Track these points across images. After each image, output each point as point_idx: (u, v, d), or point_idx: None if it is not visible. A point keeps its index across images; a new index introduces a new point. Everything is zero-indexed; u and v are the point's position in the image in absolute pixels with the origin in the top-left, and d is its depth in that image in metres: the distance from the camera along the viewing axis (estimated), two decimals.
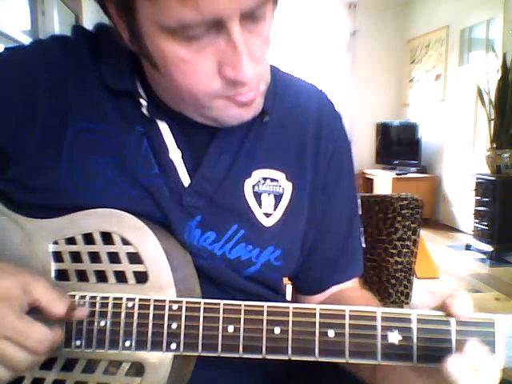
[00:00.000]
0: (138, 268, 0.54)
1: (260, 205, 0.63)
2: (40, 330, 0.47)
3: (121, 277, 0.55)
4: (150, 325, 0.51)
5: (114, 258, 0.55)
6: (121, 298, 0.52)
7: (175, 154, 0.61)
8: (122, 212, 0.56)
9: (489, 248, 3.79)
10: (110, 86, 0.59)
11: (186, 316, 0.51)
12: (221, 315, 0.50)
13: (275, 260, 0.63)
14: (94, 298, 0.53)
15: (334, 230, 0.69)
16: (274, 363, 0.63)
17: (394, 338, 0.47)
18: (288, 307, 0.49)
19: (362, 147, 5.88)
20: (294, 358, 0.49)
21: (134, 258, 0.54)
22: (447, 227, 4.98)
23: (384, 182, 5.29)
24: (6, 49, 0.62)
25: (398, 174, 5.16)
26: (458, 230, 4.82)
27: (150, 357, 0.52)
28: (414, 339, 0.47)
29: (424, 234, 4.00)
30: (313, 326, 0.48)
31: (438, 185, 5.21)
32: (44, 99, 0.58)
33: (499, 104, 3.81)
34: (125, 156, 0.59)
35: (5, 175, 0.60)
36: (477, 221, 3.93)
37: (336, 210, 0.69)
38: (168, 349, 0.51)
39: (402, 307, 1.05)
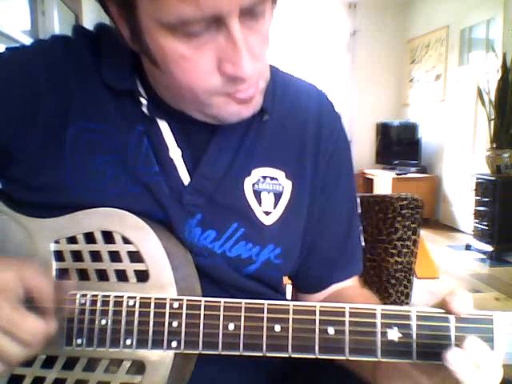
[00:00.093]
0: (139, 267, 0.54)
1: (260, 203, 0.63)
2: (33, 321, 0.47)
3: (122, 275, 0.55)
4: (151, 323, 0.51)
5: (115, 256, 0.55)
6: (122, 297, 0.52)
7: (175, 153, 0.61)
8: (123, 211, 0.56)
9: (489, 248, 3.79)
10: (111, 85, 0.59)
11: (186, 314, 0.51)
12: (221, 313, 0.50)
13: (275, 258, 0.63)
14: (95, 296, 0.53)
15: (333, 230, 0.69)
16: (275, 361, 0.64)
17: (394, 335, 0.47)
18: (288, 305, 0.50)
19: (362, 147, 5.89)
20: (294, 355, 0.49)
21: (135, 256, 0.55)
22: (447, 227, 4.98)
23: (384, 182, 5.29)
24: (6, 49, 0.62)
25: (398, 174, 5.16)
26: (458, 230, 4.82)
27: (151, 355, 0.52)
28: (414, 336, 0.47)
29: (424, 234, 4.01)
30: (313, 324, 0.49)
31: (438, 185, 5.21)
32: (49, 99, 0.59)
33: (499, 104, 3.81)
34: (126, 155, 0.59)
35: (6, 174, 0.60)
36: (477, 221, 3.93)
37: (335, 210, 0.69)
38: (169, 347, 0.51)
39: None
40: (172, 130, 0.61)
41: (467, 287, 3.14)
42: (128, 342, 0.52)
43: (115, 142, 0.60)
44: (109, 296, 0.53)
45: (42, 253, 0.56)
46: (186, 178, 0.61)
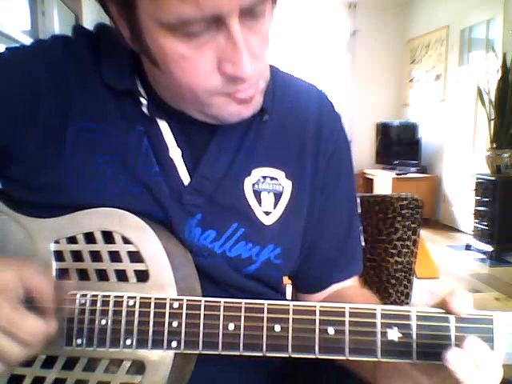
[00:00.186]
0: (139, 267, 0.54)
1: (260, 203, 0.63)
2: (32, 321, 0.47)
3: (122, 275, 0.55)
4: (151, 323, 0.51)
5: (115, 256, 0.55)
6: (122, 297, 0.52)
7: (175, 153, 0.61)
8: (124, 211, 0.56)
9: (489, 248, 3.79)
10: (111, 85, 0.59)
11: (186, 314, 0.51)
12: (221, 313, 0.50)
13: (275, 258, 0.63)
14: (95, 296, 0.53)
15: (333, 230, 0.69)
16: (274, 361, 0.64)
17: (394, 335, 0.48)
18: (288, 305, 0.50)
19: (362, 147, 5.89)
20: (294, 355, 0.49)
21: (135, 256, 0.55)
22: (447, 227, 4.98)
23: (384, 182, 5.29)
24: (6, 49, 0.62)
25: (398, 174, 5.17)
26: (458, 230, 4.82)
27: (151, 355, 0.52)
28: (414, 336, 0.47)
29: (424, 234, 4.01)
30: (313, 324, 0.49)
31: (438, 185, 5.21)
32: (49, 99, 0.59)
33: (499, 104, 3.81)
34: (126, 155, 0.60)
35: (5, 174, 0.60)
36: (477, 221, 3.93)
37: (335, 210, 0.69)
38: (169, 347, 0.51)
39: None
40: (172, 130, 0.61)
41: (467, 287, 3.14)
42: (128, 341, 0.52)
43: (115, 141, 0.60)
44: (109, 296, 0.53)
45: (42, 253, 0.56)
46: (185, 178, 0.61)
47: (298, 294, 0.74)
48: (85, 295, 0.53)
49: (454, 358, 0.42)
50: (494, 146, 3.87)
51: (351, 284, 0.71)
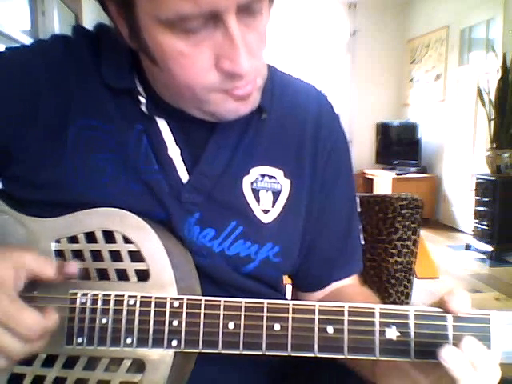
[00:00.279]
0: (140, 266, 0.54)
1: (258, 201, 0.63)
2: (31, 315, 0.47)
3: (122, 275, 0.55)
4: (152, 322, 0.52)
5: (115, 256, 0.55)
6: (122, 296, 0.53)
7: (174, 151, 0.61)
8: (125, 211, 0.56)
9: (489, 248, 3.79)
10: (110, 84, 0.60)
11: (187, 313, 0.51)
12: (221, 312, 0.50)
13: (274, 256, 0.63)
14: (95, 295, 0.53)
15: (332, 229, 0.69)
16: (274, 361, 0.64)
17: (392, 333, 0.48)
18: (288, 304, 0.50)
19: (362, 147, 5.89)
20: (293, 354, 0.49)
21: (136, 256, 0.55)
22: (447, 227, 4.98)
23: (384, 182, 5.29)
24: (6, 49, 0.63)
25: (398, 174, 5.17)
26: (458, 230, 4.82)
27: (151, 354, 0.52)
28: (412, 335, 0.47)
29: (424, 234, 4.01)
30: (312, 323, 0.49)
31: (438, 185, 5.21)
32: (49, 99, 0.59)
33: (499, 104, 3.81)
34: (126, 154, 0.60)
35: (6, 174, 0.61)
36: (477, 221, 3.93)
37: (334, 209, 0.69)
38: (169, 346, 0.51)
39: None
40: (171, 129, 0.62)
41: (467, 287, 3.14)
42: (128, 340, 0.52)
43: (115, 140, 0.60)
44: (109, 295, 0.53)
45: (43, 252, 0.56)
46: (184, 176, 0.61)
47: (297, 293, 0.74)
48: (85, 294, 0.53)
49: (448, 356, 0.42)
50: (494, 146, 3.87)
51: (351, 282, 0.71)
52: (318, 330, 0.49)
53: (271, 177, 0.64)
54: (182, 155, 0.62)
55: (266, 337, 0.49)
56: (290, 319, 0.49)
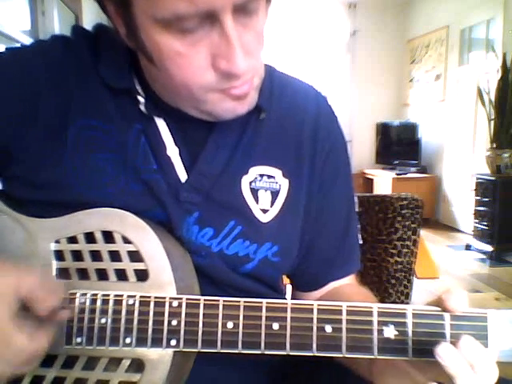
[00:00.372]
0: (139, 266, 0.55)
1: (257, 201, 0.63)
2: (20, 340, 0.46)
3: (121, 275, 0.55)
4: (151, 322, 0.52)
5: (114, 256, 0.55)
6: (121, 296, 0.53)
7: (172, 151, 0.61)
8: (124, 211, 0.56)
9: (489, 248, 3.79)
10: (110, 84, 0.60)
11: (186, 313, 0.51)
12: (220, 312, 0.51)
13: (273, 256, 0.63)
14: (95, 295, 0.53)
15: (331, 228, 0.69)
16: (274, 361, 0.64)
17: (390, 332, 0.48)
18: (286, 303, 0.50)
19: (362, 147, 5.88)
20: (292, 353, 0.49)
21: (135, 256, 0.55)
22: (447, 227, 4.98)
23: (384, 182, 5.29)
24: (6, 49, 0.63)
25: (398, 174, 5.16)
26: (458, 230, 4.82)
27: (150, 353, 0.52)
28: (410, 334, 0.48)
29: (424, 234, 4.01)
30: (310, 322, 0.49)
31: (438, 185, 5.21)
32: (49, 99, 0.59)
33: (499, 104, 3.81)
34: (126, 153, 0.60)
35: (6, 174, 0.61)
36: (477, 221, 3.93)
37: (333, 208, 0.69)
38: (168, 345, 0.51)
39: None
40: (169, 128, 0.62)
41: (467, 287, 3.14)
42: (127, 340, 0.52)
43: (115, 140, 0.60)
44: (108, 295, 0.53)
45: (43, 252, 0.57)
46: (183, 176, 0.61)
47: (295, 292, 0.74)
48: (85, 294, 0.53)
49: (443, 353, 0.43)
50: (494, 145, 3.87)
51: (349, 282, 0.71)
52: (317, 329, 0.49)
53: (270, 176, 0.64)
54: (180, 155, 0.62)
55: (264, 336, 0.50)
56: (289, 318, 0.50)
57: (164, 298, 0.52)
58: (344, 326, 0.49)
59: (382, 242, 0.98)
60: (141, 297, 0.52)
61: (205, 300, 0.51)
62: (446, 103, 5.06)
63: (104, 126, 0.60)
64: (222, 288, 0.62)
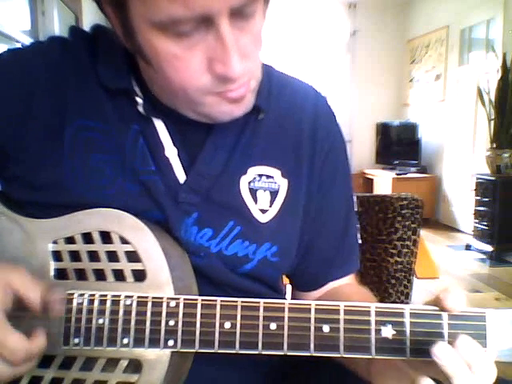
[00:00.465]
0: (137, 266, 0.55)
1: (256, 201, 0.63)
2: (14, 339, 0.46)
3: (119, 275, 0.55)
4: (148, 322, 0.52)
5: (112, 256, 0.55)
6: (119, 296, 0.53)
7: (171, 152, 0.61)
8: (122, 212, 0.56)
9: (489, 248, 3.79)
10: (108, 85, 0.60)
11: (183, 313, 0.51)
12: (218, 312, 0.51)
13: (272, 256, 0.63)
14: (92, 295, 0.53)
15: (330, 228, 0.69)
16: (274, 361, 0.64)
17: (388, 332, 0.48)
18: (284, 303, 0.50)
19: (362, 147, 5.88)
20: (289, 353, 0.49)
21: (133, 256, 0.55)
22: (447, 227, 4.98)
23: (384, 182, 5.29)
24: (5, 50, 0.63)
25: (398, 174, 5.16)
26: (458, 230, 4.82)
27: (148, 354, 0.52)
28: (407, 333, 0.48)
29: (424, 234, 4.01)
30: (308, 322, 0.49)
31: (438, 185, 5.21)
32: (43, 99, 0.59)
33: (499, 104, 3.81)
34: (124, 154, 0.60)
35: (5, 174, 0.61)
36: (477, 221, 3.93)
37: (332, 208, 0.69)
38: (166, 346, 0.51)
39: None
40: (168, 129, 0.62)
41: (467, 287, 3.14)
42: (125, 340, 0.52)
43: (113, 140, 0.60)
44: (106, 295, 0.53)
45: (40, 253, 0.57)
46: (181, 177, 0.61)
47: (295, 292, 0.74)
48: (82, 295, 0.53)
49: (440, 352, 0.42)
50: (494, 145, 3.87)
51: (348, 282, 0.71)
52: (314, 328, 0.49)
53: (269, 176, 0.64)
54: (179, 156, 0.62)
55: (262, 336, 0.49)
56: (286, 318, 0.49)
57: (161, 298, 0.52)
58: (342, 325, 0.48)
59: (381, 242, 0.98)
60: (138, 297, 0.52)
61: (202, 300, 0.51)
62: (445, 103, 5.06)
63: (102, 127, 0.60)
64: (221, 288, 0.62)
